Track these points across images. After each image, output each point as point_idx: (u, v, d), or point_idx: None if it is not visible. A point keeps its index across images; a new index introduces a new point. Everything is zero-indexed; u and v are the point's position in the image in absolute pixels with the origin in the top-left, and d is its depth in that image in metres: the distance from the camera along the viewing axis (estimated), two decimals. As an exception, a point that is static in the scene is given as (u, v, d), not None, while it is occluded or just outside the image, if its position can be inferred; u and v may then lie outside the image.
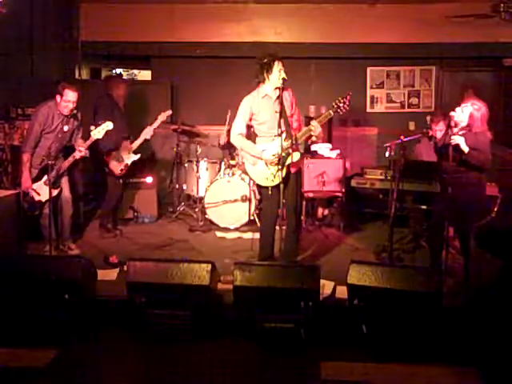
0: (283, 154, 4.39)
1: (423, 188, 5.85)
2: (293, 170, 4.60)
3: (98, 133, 5.00)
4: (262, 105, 4.55)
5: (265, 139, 4.60)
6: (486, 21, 7.17)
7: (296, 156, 4.52)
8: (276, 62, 4.44)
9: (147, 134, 5.98)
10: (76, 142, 5.17)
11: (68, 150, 5.20)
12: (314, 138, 4.63)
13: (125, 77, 9.79)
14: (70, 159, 5.08)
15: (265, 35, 7.69)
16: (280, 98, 4.42)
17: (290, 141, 4.43)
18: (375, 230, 6.25)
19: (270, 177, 4.49)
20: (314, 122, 4.46)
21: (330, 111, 4.46)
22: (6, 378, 3.26)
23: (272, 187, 4.50)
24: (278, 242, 4.52)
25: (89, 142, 5.07)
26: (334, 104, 4.45)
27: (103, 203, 6.14)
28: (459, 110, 4.31)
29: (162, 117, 6.12)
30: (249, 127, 4.69)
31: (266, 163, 4.54)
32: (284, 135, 4.43)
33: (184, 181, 6.94)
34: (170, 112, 6.27)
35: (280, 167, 4.37)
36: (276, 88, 4.48)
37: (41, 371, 3.32)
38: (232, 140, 4.70)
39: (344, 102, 4.42)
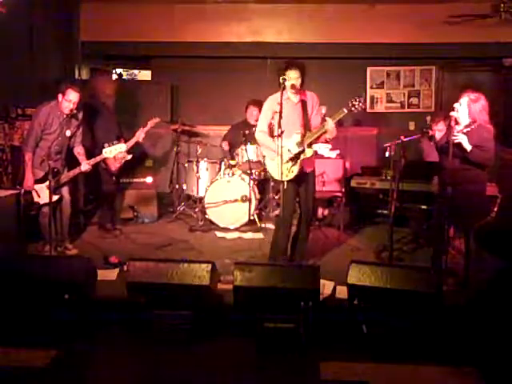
0: (297, 150, 4.56)
1: (423, 188, 5.86)
2: (308, 170, 4.73)
3: (109, 152, 5.05)
4: (283, 106, 4.61)
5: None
6: (486, 21, 7.17)
7: (309, 152, 4.62)
8: (290, 71, 4.56)
9: (139, 136, 5.94)
10: (76, 147, 5.17)
11: (70, 154, 5.19)
12: (327, 136, 4.70)
13: (125, 77, 9.78)
14: (76, 171, 5.11)
15: (265, 35, 7.69)
16: (301, 101, 4.63)
17: (304, 138, 4.56)
18: (375, 230, 6.25)
19: (285, 171, 4.62)
20: (327, 119, 4.55)
21: (344, 109, 4.51)
22: (6, 377, 3.26)
23: (287, 182, 4.62)
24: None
25: (98, 159, 5.12)
26: (349, 102, 4.51)
27: (100, 202, 6.16)
28: (457, 104, 4.31)
29: (152, 123, 6.08)
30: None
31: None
32: (299, 132, 4.58)
33: (184, 181, 6.95)
34: (158, 119, 6.21)
35: (293, 162, 4.57)
36: (294, 93, 4.61)
37: (41, 371, 3.32)
38: (256, 136, 4.86)
39: (359, 101, 4.47)
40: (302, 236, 4.85)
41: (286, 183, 4.59)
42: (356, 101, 4.47)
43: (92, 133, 5.93)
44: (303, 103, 4.68)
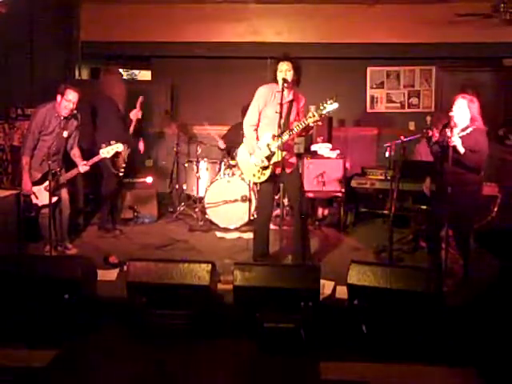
0: (269, 153, 4.54)
1: (422, 188, 5.85)
2: (288, 170, 4.66)
3: (106, 152, 5.04)
4: (274, 98, 4.59)
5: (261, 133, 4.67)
6: (486, 21, 7.16)
7: (279, 155, 4.52)
8: (280, 63, 4.51)
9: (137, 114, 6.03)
10: (73, 149, 5.15)
11: (67, 157, 5.19)
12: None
13: (125, 77, 9.77)
14: (74, 172, 5.09)
15: (265, 35, 7.69)
16: (290, 101, 4.56)
17: (279, 141, 4.46)
18: (375, 230, 6.25)
19: (257, 174, 4.64)
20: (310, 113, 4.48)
21: (314, 112, 4.45)
22: (6, 377, 3.26)
23: (263, 184, 4.66)
24: (277, 242, 4.54)
25: (96, 159, 5.09)
26: (320, 105, 4.44)
27: (101, 203, 6.16)
28: (456, 108, 4.29)
29: (139, 103, 6.08)
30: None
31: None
32: (271, 134, 4.52)
33: (184, 181, 6.95)
34: (141, 98, 6.19)
35: (265, 165, 4.57)
36: (287, 87, 4.48)
37: (41, 371, 3.32)
38: (244, 128, 4.74)
39: (331, 104, 4.43)
40: (297, 234, 4.75)
41: (258, 185, 4.62)
42: (327, 103, 4.40)
43: (100, 133, 5.88)
44: (291, 104, 4.56)
